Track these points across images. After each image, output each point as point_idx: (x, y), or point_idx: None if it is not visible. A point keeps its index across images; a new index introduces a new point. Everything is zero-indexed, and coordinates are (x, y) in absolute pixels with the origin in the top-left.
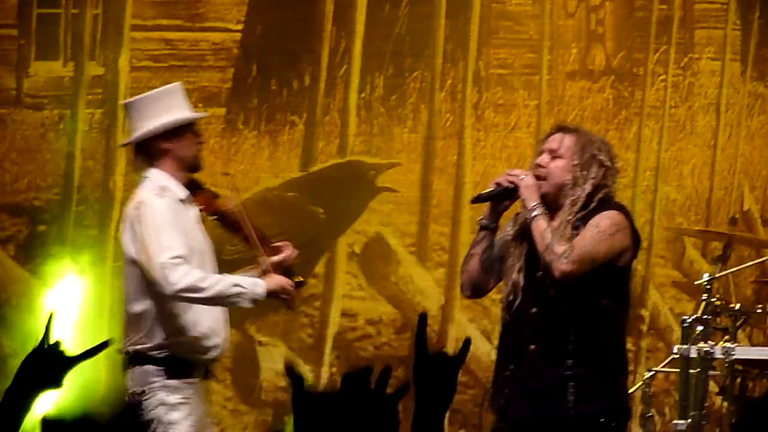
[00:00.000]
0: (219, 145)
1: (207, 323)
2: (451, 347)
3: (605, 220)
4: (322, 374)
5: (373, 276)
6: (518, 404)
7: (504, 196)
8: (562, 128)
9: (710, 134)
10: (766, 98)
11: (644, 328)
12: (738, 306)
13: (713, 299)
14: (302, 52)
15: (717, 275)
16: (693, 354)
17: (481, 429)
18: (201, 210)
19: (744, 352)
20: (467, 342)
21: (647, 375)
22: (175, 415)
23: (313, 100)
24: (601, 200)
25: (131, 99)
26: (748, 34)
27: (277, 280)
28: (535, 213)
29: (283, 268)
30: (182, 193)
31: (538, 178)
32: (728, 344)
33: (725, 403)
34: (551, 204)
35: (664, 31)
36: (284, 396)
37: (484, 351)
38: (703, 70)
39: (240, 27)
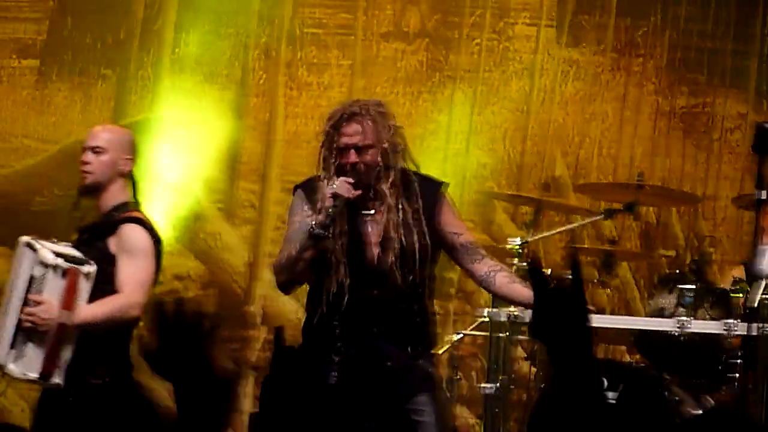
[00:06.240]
0: (32, 96)
1: None
2: (258, 305)
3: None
4: None
5: (181, 231)
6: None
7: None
8: (353, 115)
9: (523, 99)
10: (580, 65)
11: (452, 291)
12: (548, 271)
13: (523, 264)
14: (117, 7)
15: (528, 240)
16: (502, 318)
17: None
18: None
19: None
20: None
21: (455, 338)
22: None
23: (127, 55)
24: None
25: None
26: (564, 0)
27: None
28: None
29: None
30: None
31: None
32: None
33: (533, 368)
34: (365, 192)
35: None
36: None
37: (291, 309)
38: (518, 35)
39: None
